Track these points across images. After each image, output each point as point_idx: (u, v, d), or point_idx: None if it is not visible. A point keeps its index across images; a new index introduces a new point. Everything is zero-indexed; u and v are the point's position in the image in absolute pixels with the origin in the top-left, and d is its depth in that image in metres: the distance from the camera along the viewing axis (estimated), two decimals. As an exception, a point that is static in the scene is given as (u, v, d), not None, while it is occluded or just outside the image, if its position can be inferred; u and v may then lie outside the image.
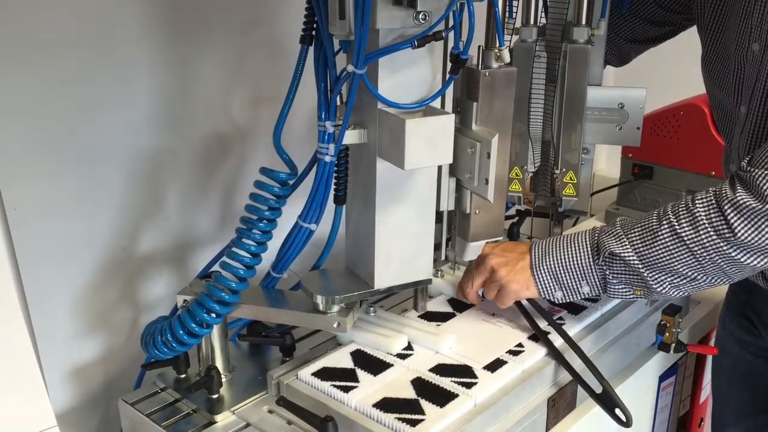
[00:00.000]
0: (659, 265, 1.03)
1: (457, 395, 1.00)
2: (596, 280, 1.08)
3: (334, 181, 1.07)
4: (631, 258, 1.04)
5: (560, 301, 1.12)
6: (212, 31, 1.27)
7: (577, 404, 1.13)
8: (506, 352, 1.09)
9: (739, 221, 0.96)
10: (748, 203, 0.96)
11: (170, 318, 1.08)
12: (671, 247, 1.01)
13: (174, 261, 1.32)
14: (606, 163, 2.24)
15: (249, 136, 1.37)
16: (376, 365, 1.07)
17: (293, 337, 1.17)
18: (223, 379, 1.10)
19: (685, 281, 1.04)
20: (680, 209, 1.01)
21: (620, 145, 1.83)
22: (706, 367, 1.54)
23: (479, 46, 1.07)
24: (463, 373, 1.05)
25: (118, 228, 1.23)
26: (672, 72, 2.09)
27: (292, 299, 1.13)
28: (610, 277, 1.07)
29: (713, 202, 0.99)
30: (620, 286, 1.07)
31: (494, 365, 1.06)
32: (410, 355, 1.09)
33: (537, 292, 1.11)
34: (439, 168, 1.09)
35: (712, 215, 0.98)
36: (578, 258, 1.08)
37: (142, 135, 1.22)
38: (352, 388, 1.01)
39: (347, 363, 1.08)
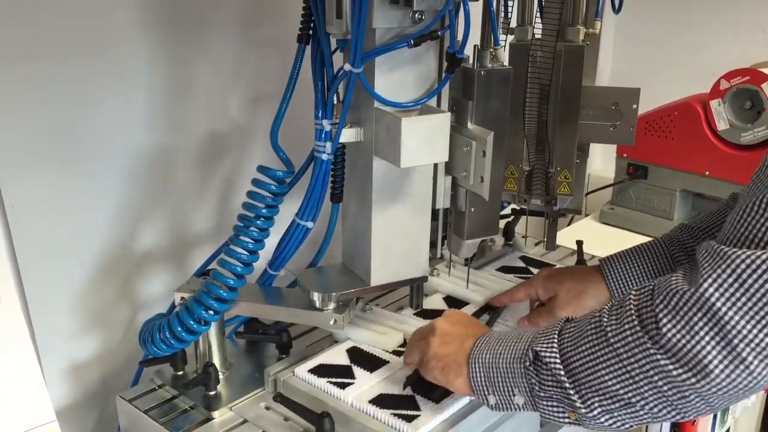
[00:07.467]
0: (584, 375, 0.80)
1: (452, 392, 1.00)
2: (526, 389, 0.85)
3: (330, 179, 1.07)
4: (554, 362, 0.82)
5: (494, 410, 0.90)
6: (210, 29, 1.27)
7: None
8: (501, 349, 1.10)
9: (664, 311, 0.73)
10: (680, 288, 0.73)
11: (168, 315, 1.08)
12: (595, 346, 0.79)
13: (172, 259, 1.32)
14: (601, 163, 2.25)
15: (246, 134, 1.37)
16: (372, 362, 1.08)
17: (290, 334, 1.17)
18: (221, 376, 1.10)
19: (618, 405, 0.79)
20: (621, 299, 0.81)
21: (614, 145, 1.84)
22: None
23: (475, 46, 1.07)
24: (458, 369, 1.05)
25: (116, 226, 1.23)
26: (667, 72, 2.11)
27: (289, 297, 1.14)
28: (538, 389, 0.84)
29: (652, 288, 0.77)
30: (550, 404, 0.84)
31: (489, 362, 1.07)
32: (406, 351, 1.10)
33: (468, 388, 0.91)
34: (435, 166, 1.09)
35: (643, 302, 0.76)
36: (511, 355, 0.86)
37: (141, 133, 1.22)
38: (349, 384, 1.02)
39: (343, 360, 1.08)
